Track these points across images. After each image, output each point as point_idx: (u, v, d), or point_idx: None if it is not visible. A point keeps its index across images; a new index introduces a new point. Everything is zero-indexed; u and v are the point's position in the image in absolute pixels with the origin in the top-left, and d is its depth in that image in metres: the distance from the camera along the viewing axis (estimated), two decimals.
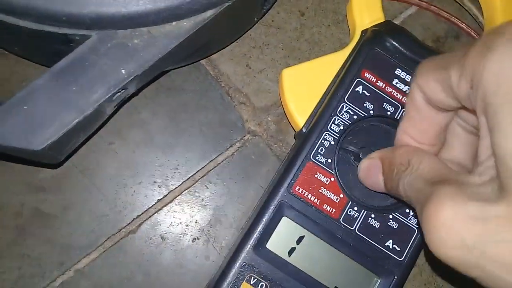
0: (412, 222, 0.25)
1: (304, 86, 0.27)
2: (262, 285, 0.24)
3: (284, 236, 0.25)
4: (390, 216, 0.25)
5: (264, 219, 0.25)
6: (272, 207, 0.25)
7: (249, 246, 0.24)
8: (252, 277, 0.24)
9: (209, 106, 0.30)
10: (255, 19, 0.28)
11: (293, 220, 0.25)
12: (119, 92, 0.22)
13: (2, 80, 0.28)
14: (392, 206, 0.25)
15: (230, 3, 0.22)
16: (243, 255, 0.24)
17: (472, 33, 0.33)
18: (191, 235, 0.28)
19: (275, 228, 0.25)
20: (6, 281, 0.26)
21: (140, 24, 0.21)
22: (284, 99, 0.27)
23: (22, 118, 0.21)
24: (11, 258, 0.27)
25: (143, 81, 0.23)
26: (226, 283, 0.24)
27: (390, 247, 0.25)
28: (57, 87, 0.21)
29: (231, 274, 0.24)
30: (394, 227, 0.25)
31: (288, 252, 0.25)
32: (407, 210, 0.25)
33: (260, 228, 0.24)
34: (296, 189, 0.25)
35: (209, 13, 0.22)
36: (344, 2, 0.32)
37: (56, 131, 0.20)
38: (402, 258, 0.25)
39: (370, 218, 0.25)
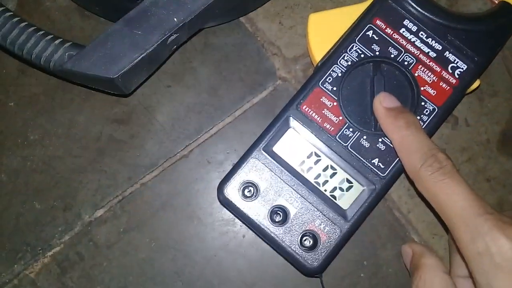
0: None
1: (325, 29, 0.33)
2: (266, 176, 0.30)
3: (288, 144, 0.31)
4: (380, 140, 0.31)
5: (274, 128, 0.31)
6: (282, 119, 0.31)
7: (259, 146, 0.31)
8: (259, 168, 0.31)
9: (247, 57, 0.36)
10: None
11: (297, 132, 0.31)
12: (172, 36, 0.28)
13: (88, 36, 0.36)
14: (381, 132, 0.30)
15: None
16: (254, 152, 0.31)
17: None
18: (231, 160, 0.35)
19: (282, 136, 0.31)
20: (89, 190, 0.34)
21: None
22: (308, 38, 0.33)
23: (102, 54, 0.28)
24: (93, 173, 0.34)
25: (190, 29, 0.30)
26: (237, 171, 0.31)
27: (376, 164, 0.30)
28: (127, 32, 0.28)
29: (243, 164, 0.31)
30: (382, 149, 0.30)
31: (290, 156, 0.31)
32: None
33: (269, 134, 0.31)
34: (303, 108, 0.31)
35: None
36: None
37: (126, 64, 0.28)
38: (384, 174, 0.30)
39: (362, 139, 0.31)
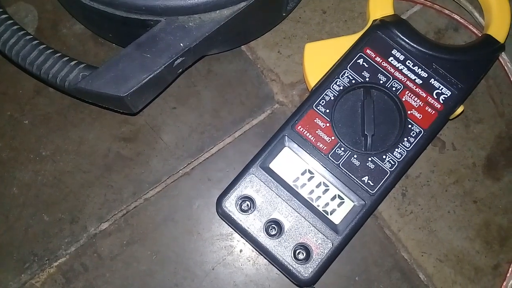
0: (386, 166, 0.32)
1: (320, 57, 0.35)
2: (262, 191, 0.32)
3: (284, 162, 0.33)
4: (369, 159, 0.33)
5: (270, 146, 0.33)
6: (278, 138, 0.33)
7: (256, 163, 0.33)
8: (256, 183, 0.32)
9: (247, 82, 0.38)
10: (283, 14, 0.37)
11: (292, 151, 0.33)
12: (178, 59, 0.31)
13: (101, 61, 0.38)
14: (371, 152, 0.32)
15: None
16: (251, 168, 0.33)
17: (470, 27, 0.40)
18: (230, 178, 0.36)
19: (278, 154, 0.33)
20: (95, 203, 0.36)
21: (194, 12, 0.31)
22: (303, 65, 0.36)
23: (114, 75, 0.30)
24: (100, 187, 0.36)
25: (195, 55, 0.32)
26: (236, 186, 0.32)
27: (365, 181, 0.32)
28: (137, 54, 0.31)
29: (241, 179, 0.33)
30: (371, 167, 0.32)
31: (286, 173, 0.33)
32: (384, 156, 0.33)
33: (266, 152, 0.33)
34: (298, 128, 0.33)
35: (242, 4, 0.31)
36: (359, 2, 0.40)
37: (135, 83, 0.30)
38: (373, 191, 0.32)
39: (352, 158, 0.33)
